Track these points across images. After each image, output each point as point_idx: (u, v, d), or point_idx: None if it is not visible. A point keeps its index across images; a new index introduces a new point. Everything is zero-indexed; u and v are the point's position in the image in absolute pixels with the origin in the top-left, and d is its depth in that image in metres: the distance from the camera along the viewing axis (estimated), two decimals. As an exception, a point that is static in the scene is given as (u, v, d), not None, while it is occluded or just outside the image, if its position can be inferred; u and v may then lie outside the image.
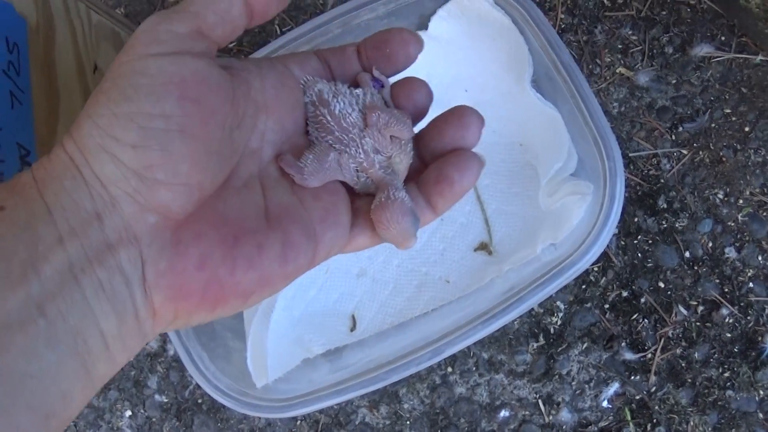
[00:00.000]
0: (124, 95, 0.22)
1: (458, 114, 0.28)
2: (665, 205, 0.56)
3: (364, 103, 0.28)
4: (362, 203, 0.28)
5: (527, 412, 0.55)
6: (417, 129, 0.29)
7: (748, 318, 0.56)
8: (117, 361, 0.23)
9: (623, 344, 0.55)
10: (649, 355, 0.55)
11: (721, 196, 0.56)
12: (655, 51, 0.56)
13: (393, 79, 0.30)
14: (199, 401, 0.57)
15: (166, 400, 0.57)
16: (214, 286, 0.23)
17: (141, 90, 0.22)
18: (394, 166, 0.28)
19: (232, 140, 0.25)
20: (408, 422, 0.55)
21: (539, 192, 0.52)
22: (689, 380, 0.56)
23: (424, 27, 0.52)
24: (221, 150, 0.24)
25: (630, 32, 0.56)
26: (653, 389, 0.55)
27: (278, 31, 0.57)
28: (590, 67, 0.56)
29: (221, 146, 0.24)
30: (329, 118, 0.28)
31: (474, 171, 0.27)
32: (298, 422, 0.56)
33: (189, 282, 0.23)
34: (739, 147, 0.56)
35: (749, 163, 0.56)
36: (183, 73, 0.23)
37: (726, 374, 0.56)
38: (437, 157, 0.28)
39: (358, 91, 0.29)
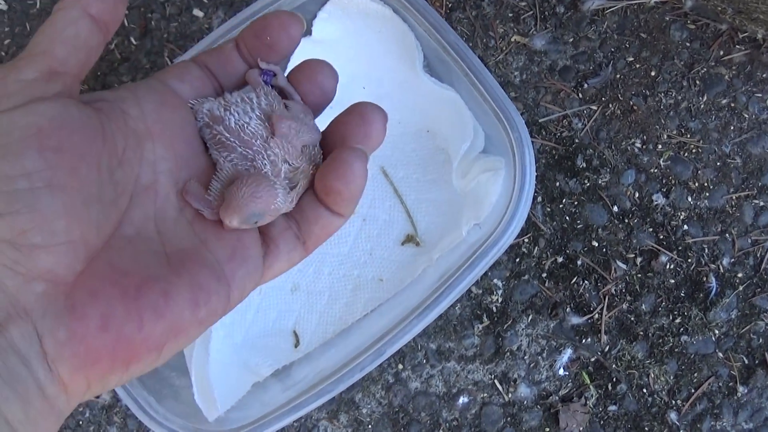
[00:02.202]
0: None
1: (359, 112, 0.26)
2: (584, 164, 0.55)
3: (260, 107, 0.26)
4: (270, 227, 0.26)
5: (486, 395, 0.55)
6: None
7: (689, 261, 0.56)
8: None
9: (568, 310, 0.55)
10: (596, 316, 0.55)
11: (639, 145, 0.56)
12: (546, 13, 0.56)
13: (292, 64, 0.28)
14: (161, 444, 0.57)
15: (128, 449, 0.57)
16: (122, 345, 0.22)
17: None
18: (297, 176, 0.26)
19: (114, 182, 0.23)
20: (370, 426, 0.55)
21: (452, 174, 0.51)
22: (641, 333, 0.55)
23: (308, 33, 0.51)
24: (102, 196, 0.22)
25: (518, -1, 0.56)
26: (607, 349, 0.55)
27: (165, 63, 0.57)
28: (485, 40, 0.55)
29: (101, 192, 0.22)
30: (227, 135, 0.26)
31: (358, 172, 0.25)
32: (262, 446, 0.56)
33: (94, 346, 0.21)
34: (648, 93, 0.56)
35: (661, 107, 0.56)
36: (39, 123, 0.21)
37: (677, 320, 0.56)
38: None
39: (250, 94, 0.26)
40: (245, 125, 0.26)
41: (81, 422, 0.57)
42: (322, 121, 0.28)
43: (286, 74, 0.28)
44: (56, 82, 0.22)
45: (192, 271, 0.23)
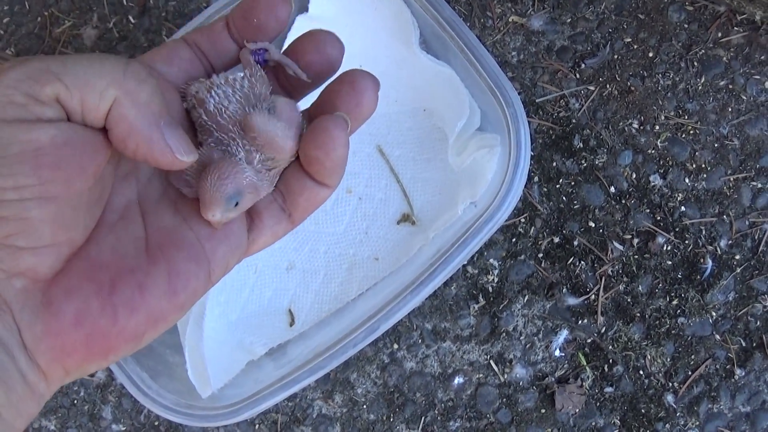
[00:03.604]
0: None
1: (349, 80, 0.25)
2: (581, 145, 0.55)
3: (242, 90, 0.26)
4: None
5: (481, 375, 0.54)
6: (308, 103, 0.27)
7: (686, 242, 0.55)
8: (16, 428, 0.22)
9: (564, 290, 0.55)
10: (593, 297, 0.55)
11: (636, 126, 0.55)
12: (544, -7, 0.56)
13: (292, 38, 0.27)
14: (156, 423, 0.56)
15: (123, 428, 0.57)
16: (97, 339, 0.22)
17: None
18: (275, 163, 0.25)
19: (101, 178, 0.23)
20: (365, 406, 0.55)
21: (448, 152, 0.51)
22: (638, 314, 0.55)
23: (305, 9, 0.51)
24: (90, 197, 0.23)
25: (516, -21, 0.56)
26: (603, 330, 0.55)
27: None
28: (482, 20, 0.55)
29: (90, 194, 0.23)
30: (206, 118, 0.25)
31: (339, 140, 0.24)
32: (257, 426, 0.56)
33: (69, 341, 0.22)
34: (645, 74, 0.56)
35: (659, 88, 0.56)
36: (40, 141, 0.21)
37: (674, 302, 0.55)
38: None
39: (237, 75, 0.26)
40: (223, 109, 0.25)
41: (76, 401, 0.57)
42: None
43: (283, 51, 0.28)
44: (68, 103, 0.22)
45: (169, 255, 0.24)
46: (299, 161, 0.26)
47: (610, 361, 0.55)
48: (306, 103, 0.28)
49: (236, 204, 0.24)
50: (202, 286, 0.24)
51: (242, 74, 0.26)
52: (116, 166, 0.24)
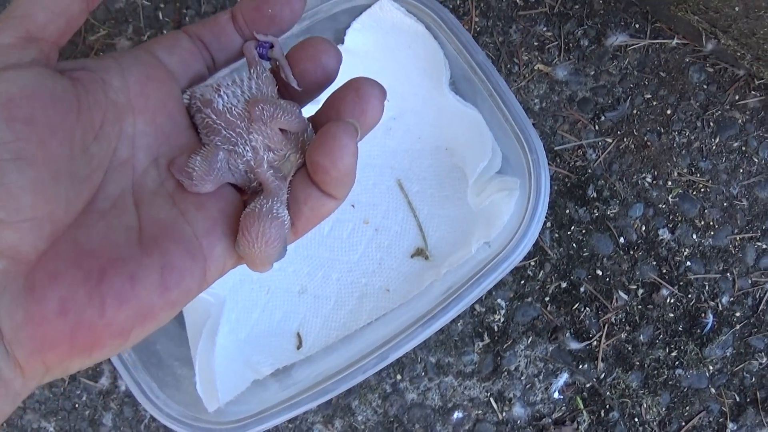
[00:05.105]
0: None
1: (354, 87, 0.24)
2: (595, 194, 0.56)
3: (250, 91, 0.25)
4: None
5: (480, 411, 0.56)
6: (312, 111, 0.26)
7: (689, 296, 0.57)
8: None
9: (567, 334, 0.56)
10: (595, 343, 0.56)
11: (649, 180, 0.57)
12: (571, 45, 0.57)
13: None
14: (156, 433, 0.57)
15: (123, 436, 0.57)
16: (82, 331, 0.20)
17: None
18: (286, 166, 0.25)
19: (88, 156, 0.22)
20: (364, 433, 0.56)
21: (467, 192, 0.52)
22: (637, 363, 0.56)
23: (341, 41, 0.53)
24: (74, 171, 0.21)
25: (545, 29, 0.57)
26: (602, 376, 0.56)
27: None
28: (509, 66, 0.57)
29: (73, 166, 0.21)
30: (214, 117, 0.25)
31: (347, 149, 0.23)
32: (256, 444, 0.56)
33: (52, 331, 0.20)
34: (662, 130, 0.57)
35: (674, 145, 0.57)
36: (10, 91, 0.20)
37: (673, 353, 0.57)
38: None
39: (242, 74, 0.25)
40: (232, 107, 0.25)
41: (77, 405, 0.57)
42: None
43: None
44: (33, 48, 0.21)
45: (164, 248, 0.22)
46: (306, 169, 0.25)
47: (607, 406, 0.56)
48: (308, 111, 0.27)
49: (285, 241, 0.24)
50: (196, 284, 0.23)
51: (248, 74, 0.26)
52: (99, 143, 0.23)
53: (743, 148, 0.57)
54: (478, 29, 0.57)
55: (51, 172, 0.20)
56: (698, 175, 0.57)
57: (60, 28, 0.22)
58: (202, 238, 0.23)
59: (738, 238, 0.57)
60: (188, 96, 0.26)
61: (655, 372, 0.56)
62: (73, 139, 0.21)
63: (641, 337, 0.56)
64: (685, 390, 0.57)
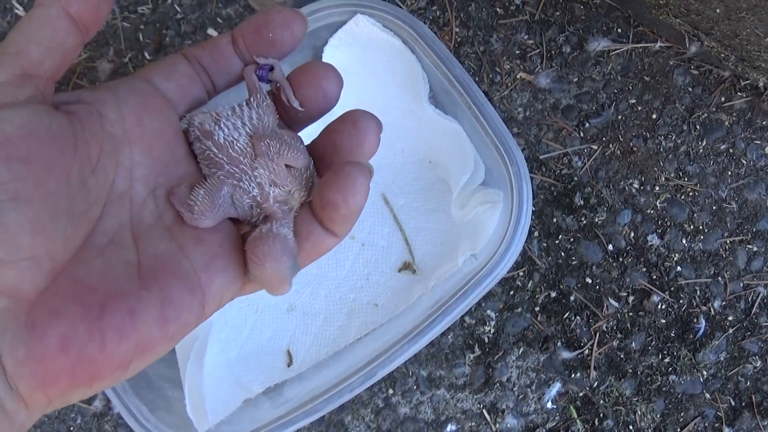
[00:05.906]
0: None
1: (351, 120, 0.25)
2: (582, 202, 0.56)
3: (251, 121, 0.25)
4: None
5: (473, 423, 0.55)
6: (309, 139, 0.26)
7: (681, 302, 0.56)
8: None
9: (559, 344, 0.55)
10: (586, 351, 0.56)
11: (636, 186, 0.56)
12: (553, 52, 0.57)
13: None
14: (150, 454, 0.57)
15: (117, 457, 0.57)
16: (83, 366, 0.21)
17: None
18: (291, 201, 0.25)
19: (86, 190, 0.22)
20: (357, 449, 0.55)
21: (451, 205, 0.52)
22: (630, 370, 0.56)
23: (319, 57, 0.52)
24: (72, 207, 0.21)
25: (526, 37, 0.57)
26: (595, 384, 0.56)
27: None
28: (491, 76, 0.56)
29: (71, 202, 0.21)
30: (216, 150, 0.25)
31: (360, 188, 0.23)
32: (250, 462, 0.56)
33: (54, 367, 0.20)
34: (648, 135, 0.57)
35: (661, 150, 0.57)
36: (6, 131, 0.20)
37: (666, 360, 0.56)
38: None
39: (243, 105, 0.25)
40: (234, 142, 0.25)
41: (72, 428, 0.58)
42: (315, 131, 0.27)
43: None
44: (28, 85, 0.21)
45: (163, 283, 0.22)
46: (311, 205, 0.25)
47: (601, 415, 0.56)
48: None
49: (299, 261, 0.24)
50: (194, 317, 0.23)
51: (247, 102, 0.25)
52: (97, 177, 0.23)
53: (731, 150, 0.57)
54: (458, 39, 0.56)
55: (49, 210, 0.21)
56: (686, 179, 0.57)
57: (55, 64, 0.22)
58: (200, 272, 0.23)
59: (728, 242, 0.57)
60: (186, 122, 0.25)
61: (649, 379, 0.56)
62: (70, 175, 0.21)
63: (633, 345, 0.56)
64: (679, 396, 0.56)
